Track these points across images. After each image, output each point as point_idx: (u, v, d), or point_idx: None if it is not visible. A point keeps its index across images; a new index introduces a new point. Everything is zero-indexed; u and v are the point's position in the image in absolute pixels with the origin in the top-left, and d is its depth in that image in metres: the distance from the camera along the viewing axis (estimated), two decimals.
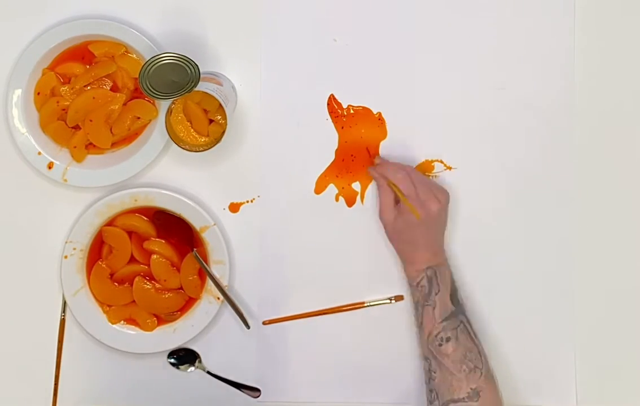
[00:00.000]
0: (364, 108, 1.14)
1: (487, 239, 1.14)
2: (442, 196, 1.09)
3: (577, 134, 1.14)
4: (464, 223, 1.14)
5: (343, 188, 1.15)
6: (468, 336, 1.07)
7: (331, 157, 1.14)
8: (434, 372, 1.06)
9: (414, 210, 1.06)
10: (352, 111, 1.14)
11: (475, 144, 1.14)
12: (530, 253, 1.14)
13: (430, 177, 1.14)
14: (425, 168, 1.14)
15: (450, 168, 1.14)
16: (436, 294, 1.07)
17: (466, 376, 1.05)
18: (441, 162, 1.15)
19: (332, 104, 1.14)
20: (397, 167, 1.10)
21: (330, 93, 1.14)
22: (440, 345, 1.06)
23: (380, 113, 1.14)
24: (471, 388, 1.04)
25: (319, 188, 1.15)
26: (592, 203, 1.15)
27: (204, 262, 1.12)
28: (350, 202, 1.15)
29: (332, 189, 1.15)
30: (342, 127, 1.14)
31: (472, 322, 1.08)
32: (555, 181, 1.15)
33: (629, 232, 1.15)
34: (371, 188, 1.14)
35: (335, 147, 1.14)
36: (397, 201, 1.09)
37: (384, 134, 1.14)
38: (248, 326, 1.13)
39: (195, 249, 1.12)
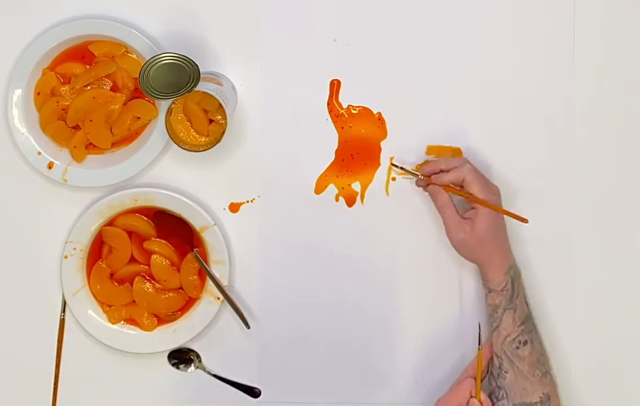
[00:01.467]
0: (364, 108, 1.14)
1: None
2: (495, 189, 1.08)
3: (577, 134, 1.14)
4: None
5: (343, 188, 1.15)
6: (540, 340, 1.07)
7: (331, 157, 1.14)
8: (505, 372, 1.05)
9: (516, 215, 1.05)
10: (352, 111, 1.14)
11: (475, 144, 1.14)
12: (530, 252, 1.14)
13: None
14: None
15: None
16: (517, 297, 1.06)
17: (539, 381, 1.05)
18: None
19: (332, 104, 1.14)
20: (457, 161, 1.07)
21: (330, 93, 1.14)
22: (517, 348, 1.05)
23: (380, 113, 1.14)
24: (543, 393, 1.05)
25: (319, 188, 1.15)
26: (592, 203, 1.15)
27: (204, 262, 1.12)
28: (350, 202, 1.15)
29: (332, 189, 1.15)
30: (342, 127, 1.14)
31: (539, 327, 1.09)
32: (555, 181, 1.15)
33: (629, 231, 1.15)
34: (371, 188, 1.14)
35: (335, 147, 1.14)
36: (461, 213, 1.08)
37: (384, 134, 1.14)
38: (248, 326, 1.13)
39: (195, 249, 1.12)
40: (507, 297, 1.06)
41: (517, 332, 1.05)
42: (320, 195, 1.15)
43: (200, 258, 1.12)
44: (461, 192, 1.07)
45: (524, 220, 1.05)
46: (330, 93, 1.14)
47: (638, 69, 1.15)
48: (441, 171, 1.08)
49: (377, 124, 1.14)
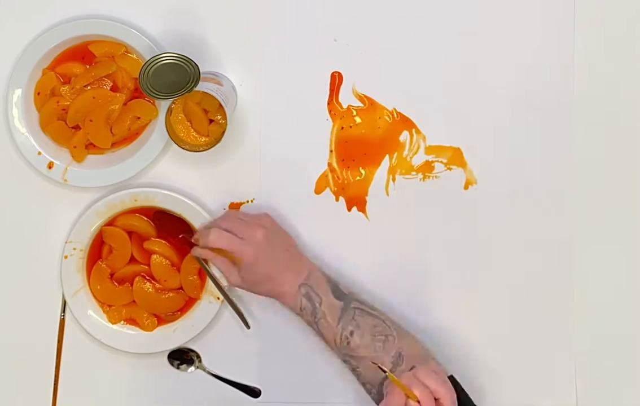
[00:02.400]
0: (365, 108, 1.14)
1: (487, 239, 1.14)
2: (265, 220, 1.08)
3: (576, 134, 1.14)
4: (463, 223, 1.14)
5: (343, 188, 1.15)
6: (367, 315, 1.06)
7: (331, 157, 1.14)
8: (358, 368, 1.05)
9: (237, 259, 1.05)
10: (352, 111, 1.14)
11: (475, 144, 1.14)
12: (529, 252, 1.14)
13: (431, 178, 1.14)
14: (425, 168, 1.14)
15: (450, 168, 1.14)
16: (320, 305, 1.06)
17: (383, 350, 1.03)
18: (441, 162, 1.15)
19: (333, 104, 1.14)
20: (211, 229, 1.07)
21: (330, 93, 1.14)
22: (348, 343, 1.04)
23: (380, 114, 1.14)
24: (392, 356, 1.03)
25: (319, 188, 1.15)
26: (592, 203, 1.15)
27: (204, 262, 1.12)
28: (350, 202, 1.15)
29: (332, 189, 1.15)
30: (342, 127, 1.14)
31: (364, 300, 1.08)
32: (555, 181, 1.14)
33: (628, 231, 1.15)
34: (371, 188, 1.14)
35: (335, 147, 1.14)
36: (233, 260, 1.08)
37: (384, 134, 1.14)
38: (248, 326, 1.13)
39: None
40: (309, 313, 1.06)
41: (339, 331, 1.05)
42: (320, 195, 1.15)
43: (201, 259, 1.12)
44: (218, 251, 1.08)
45: (239, 261, 1.06)
46: (330, 93, 1.14)
47: (638, 69, 1.15)
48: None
49: (377, 124, 1.14)
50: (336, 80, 1.14)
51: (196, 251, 1.10)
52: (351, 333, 1.05)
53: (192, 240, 1.10)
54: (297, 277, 1.07)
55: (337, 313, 1.05)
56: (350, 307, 1.06)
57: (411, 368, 1.00)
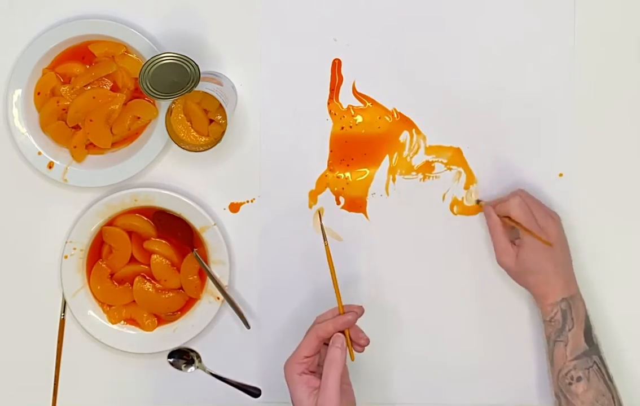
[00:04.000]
0: (365, 108, 1.14)
1: (487, 239, 1.14)
2: (555, 216, 1.08)
3: (576, 134, 1.14)
4: (463, 223, 1.14)
5: (343, 188, 1.15)
6: (601, 379, 1.03)
7: (331, 157, 1.14)
8: None
9: (546, 241, 1.04)
10: (352, 111, 1.14)
11: (475, 144, 1.14)
12: None
13: (431, 178, 1.14)
14: (425, 168, 1.14)
15: (450, 168, 1.14)
16: (569, 330, 1.04)
17: None
18: (441, 162, 1.15)
19: (333, 104, 1.14)
20: (513, 199, 1.06)
21: (330, 93, 1.14)
22: (570, 384, 1.03)
23: (380, 114, 1.14)
24: None
25: (319, 188, 1.15)
26: (592, 203, 1.15)
27: (204, 262, 1.12)
28: (350, 202, 1.15)
29: (332, 189, 1.15)
30: (342, 128, 1.14)
31: (608, 365, 1.05)
32: (555, 181, 1.14)
33: (629, 230, 1.15)
34: (372, 188, 1.14)
35: (336, 147, 1.14)
36: (512, 239, 1.07)
37: (384, 134, 1.14)
38: (248, 326, 1.13)
39: (195, 249, 1.12)
40: (555, 329, 1.05)
41: (569, 367, 1.03)
42: (321, 195, 1.15)
43: (200, 259, 1.12)
44: (509, 220, 1.07)
45: (549, 244, 1.05)
46: (330, 93, 1.14)
47: (638, 69, 1.15)
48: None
49: (377, 124, 1.14)
50: (336, 67, 1.14)
51: (490, 212, 1.08)
52: (578, 379, 1.03)
53: (482, 204, 1.10)
54: (565, 288, 1.05)
55: (578, 351, 1.04)
56: (592, 358, 1.04)
57: None
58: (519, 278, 1.08)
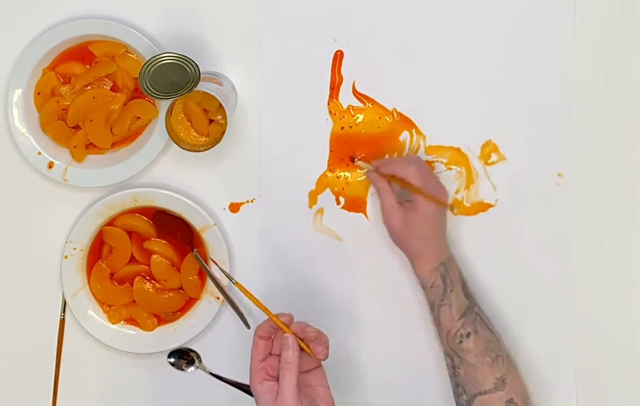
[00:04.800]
0: (365, 108, 1.14)
1: (487, 238, 1.14)
2: (444, 189, 1.09)
3: (576, 134, 1.14)
4: (463, 223, 1.14)
5: (343, 188, 1.15)
6: (485, 327, 1.06)
7: (331, 157, 1.14)
8: (458, 368, 1.05)
9: (442, 202, 1.05)
10: (352, 111, 1.14)
11: (475, 144, 1.14)
12: (529, 252, 1.14)
13: None
14: None
15: (450, 168, 1.14)
16: (451, 291, 1.06)
17: (490, 367, 1.03)
18: (441, 162, 1.15)
19: (333, 104, 1.14)
20: (405, 161, 1.08)
21: (330, 93, 1.14)
22: (460, 342, 1.04)
23: (380, 114, 1.14)
24: (496, 378, 1.03)
25: (319, 188, 1.15)
26: (592, 203, 1.15)
27: (204, 262, 1.12)
28: (350, 202, 1.15)
29: (332, 189, 1.15)
30: (342, 128, 1.14)
31: (483, 309, 1.08)
32: (554, 181, 1.14)
33: (628, 232, 1.15)
34: (371, 188, 1.14)
35: (336, 147, 1.14)
36: (400, 201, 1.08)
37: (384, 134, 1.14)
38: (248, 326, 1.13)
39: (195, 249, 1.12)
40: (438, 294, 1.06)
41: (457, 326, 1.04)
42: (321, 195, 1.15)
43: (200, 259, 1.12)
44: (399, 181, 1.07)
45: (446, 205, 1.06)
46: (330, 93, 1.14)
47: (638, 69, 1.15)
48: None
49: (377, 124, 1.14)
50: (338, 60, 1.14)
51: (373, 174, 1.09)
52: (467, 335, 1.04)
53: (371, 164, 1.10)
54: (441, 254, 1.07)
55: (462, 309, 1.05)
56: (474, 310, 1.06)
57: (509, 400, 1.03)
58: (402, 241, 1.08)
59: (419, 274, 1.08)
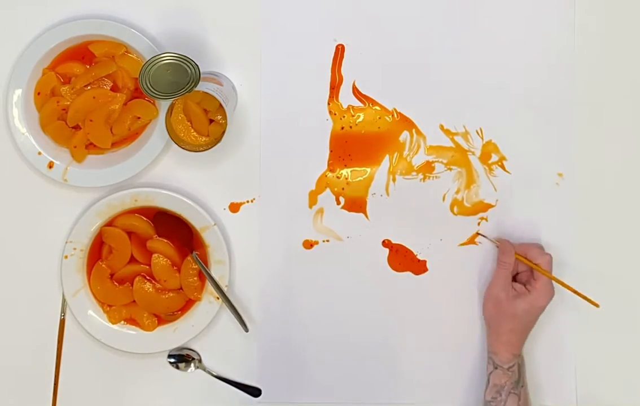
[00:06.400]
0: (365, 108, 1.14)
1: (486, 239, 1.14)
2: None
3: (577, 134, 1.14)
4: (463, 222, 1.14)
5: (343, 188, 1.15)
6: None
7: (331, 157, 1.14)
8: None
9: (592, 301, 1.08)
10: (352, 111, 1.14)
11: (475, 144, 1.14)
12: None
13: (431, 178, 1.14)
14: (425, 169, 1.14)
15: (450, 168, 1.14)
16: (522, 386, 1.08)
17: None
18: (441, 162, 1.15)
19: (332, 104, 1.14)
20: (542, 249, 1.10)
21: (330, 93, 1.14)
22: None
23: (380, 114, 1.14)
24: None
25: (319, 188, 1.15)
26: (593, 201, 1.15)
27: (203, 265, 1.12)
28: (350, 202, 1.15)
29: (332, 189, 1.15)
30: (342, 128, 1.14)
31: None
32: (555, 181, 1.14)
33: (630, 230, 1.15)
34: (372, 188, 1.14)
35: (335, 147, 1.14)
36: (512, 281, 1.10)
37: (384, 134, 1.14)
38: (247, 329, 1.12)
39: (195, 252, 1.12)
40: (512, 380, 1.07)
41: None
42: (321, 195, 1.15)
43: (200, 261, 1.12)
44: (528, 262, 1.09)
45: (596, 305, 1.09)
46: (330, 93, 1.14)
47: (638, 69, 1.15)
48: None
49: (377, 124, 1.14)
50: (339, 53, 1.14)
51: (505, 244, 1.10)
52: None
53: (499, 240, 1.12)
54: (521, 346, 1.09)
55: None
56: None
57: None
58: (498, 316, 1.09)
59: (499, 353, 1.08)
